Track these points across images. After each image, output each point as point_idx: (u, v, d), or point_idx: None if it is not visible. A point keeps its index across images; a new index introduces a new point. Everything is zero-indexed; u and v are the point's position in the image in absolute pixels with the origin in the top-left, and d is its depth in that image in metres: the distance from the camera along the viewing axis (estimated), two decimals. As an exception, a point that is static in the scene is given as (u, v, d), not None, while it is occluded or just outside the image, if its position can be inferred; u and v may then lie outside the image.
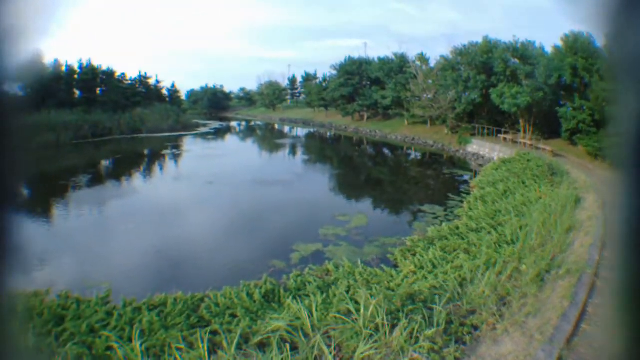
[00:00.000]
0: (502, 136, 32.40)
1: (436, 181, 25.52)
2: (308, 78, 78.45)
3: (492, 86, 33.09)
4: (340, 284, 8.11)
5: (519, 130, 32.08)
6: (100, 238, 14.96)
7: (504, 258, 8.19)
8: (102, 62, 78.24)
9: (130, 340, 5.53)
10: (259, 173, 26.64)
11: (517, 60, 32.50)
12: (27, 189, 26.56)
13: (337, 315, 5.54)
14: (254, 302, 7.45)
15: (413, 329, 5.04)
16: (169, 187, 24.46)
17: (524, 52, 32.25)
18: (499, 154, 28.39)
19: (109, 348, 5.42)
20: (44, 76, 44.54)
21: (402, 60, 49.44)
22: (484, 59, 34.55)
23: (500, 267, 7.56)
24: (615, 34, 0.71)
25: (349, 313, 5.54)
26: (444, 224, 12.92)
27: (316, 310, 5.80)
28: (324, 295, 7.21)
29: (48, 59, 47.69)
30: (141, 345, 5.25)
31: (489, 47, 34.51)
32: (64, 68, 51.09)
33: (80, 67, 52.79)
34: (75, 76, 52.40)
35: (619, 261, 0.72)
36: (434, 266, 9.00)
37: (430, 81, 42.28)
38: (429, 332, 5.07)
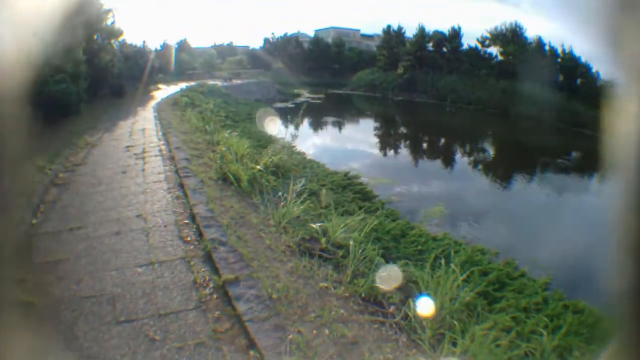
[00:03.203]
0: None
1: None
2: None
3: None
4: None
5: None
6: (555, 223, 15.00)
7: None
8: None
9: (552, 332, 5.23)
10: None
11: None
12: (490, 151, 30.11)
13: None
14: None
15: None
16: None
17: None
18: None
19: (533, 332, 5.12)
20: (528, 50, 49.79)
21: None
22: None
23: None
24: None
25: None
26: None
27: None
28: None
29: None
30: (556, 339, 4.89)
31: None
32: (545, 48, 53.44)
33: (560, 52, 53.95)
34: (558, 60, 54.17)
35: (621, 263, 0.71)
36: None
37: None
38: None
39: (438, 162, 23.28)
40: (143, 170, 9.29)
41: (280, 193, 7.10)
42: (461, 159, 25.22)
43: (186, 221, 6.09)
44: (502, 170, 23.26)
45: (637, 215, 0.67)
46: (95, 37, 22.43)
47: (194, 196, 6.91)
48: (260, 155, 9.97)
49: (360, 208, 8.94)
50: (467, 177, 20.57)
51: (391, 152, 24.44)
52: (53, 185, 8.41)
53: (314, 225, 5.87)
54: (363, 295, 4.47)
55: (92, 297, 4.21)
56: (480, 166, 23.73)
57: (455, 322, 4.09)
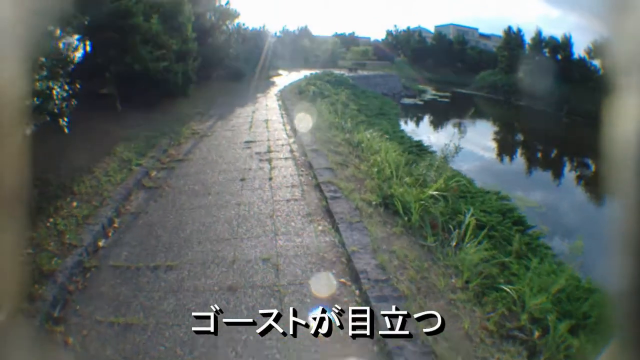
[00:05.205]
0: None
1: None
2: None
3: None
4: None
5: None
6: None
7: None
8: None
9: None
10: None
11: None
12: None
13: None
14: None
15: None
16: None
17: None
18: None
19: None
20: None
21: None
22: None
23: None
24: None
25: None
26: None
27: None
28: None
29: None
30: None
31: None
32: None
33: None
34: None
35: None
36: None
37: None
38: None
39: (564, 182, 21.28)
40: (270, 179, 7.05)
41: (451, 227, 5.63)
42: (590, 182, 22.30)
43: (342, 280, 4.04)
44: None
45: (637, 215, 0.63)
46: (208, 16, 22.43)
47: (350, 235, 4.81)
48: (414, 166, 8.28)
49: (525, 245, 7.25)
50: (594, 204, 18.14)
51: (527, 169, 22.44)
52: (140, 188, 6.66)
53: (507, 289, 4.44)
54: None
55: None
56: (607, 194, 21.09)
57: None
